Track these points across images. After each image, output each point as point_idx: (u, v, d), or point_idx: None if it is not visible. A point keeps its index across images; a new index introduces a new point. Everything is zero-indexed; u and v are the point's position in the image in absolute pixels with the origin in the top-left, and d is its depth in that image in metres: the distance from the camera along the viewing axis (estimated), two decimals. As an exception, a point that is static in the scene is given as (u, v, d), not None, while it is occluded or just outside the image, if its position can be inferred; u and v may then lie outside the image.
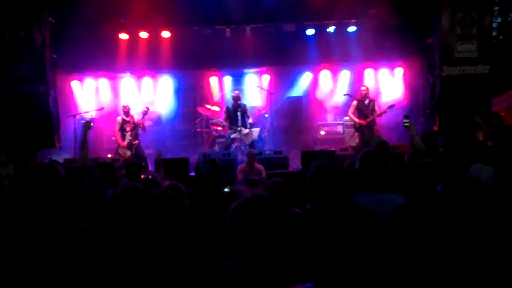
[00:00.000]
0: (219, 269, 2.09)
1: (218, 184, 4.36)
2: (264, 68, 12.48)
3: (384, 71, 12.32)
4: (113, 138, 10.89)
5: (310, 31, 11.10)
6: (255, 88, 11.85)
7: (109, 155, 10.10)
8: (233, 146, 10.34)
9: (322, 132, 11.91)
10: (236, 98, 10.13)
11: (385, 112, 9.95)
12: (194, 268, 2.40)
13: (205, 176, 8.61)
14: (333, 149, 9.76)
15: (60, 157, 8.88)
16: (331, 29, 11.04)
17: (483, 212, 2.19)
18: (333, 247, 2.25)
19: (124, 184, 2.89)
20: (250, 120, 10.21)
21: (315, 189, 2.41)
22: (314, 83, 12.65)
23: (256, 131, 10.48)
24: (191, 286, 2.33)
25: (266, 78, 12.62)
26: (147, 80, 12.54)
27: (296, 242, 2.32)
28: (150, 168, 8.25)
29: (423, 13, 10.02)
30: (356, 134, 10.43)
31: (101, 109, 11.42)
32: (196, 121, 11.67)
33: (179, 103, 12.51)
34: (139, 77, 12.47)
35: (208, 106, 12.10)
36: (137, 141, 9.86)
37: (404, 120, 4.93)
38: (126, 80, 12.48)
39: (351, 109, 10.19)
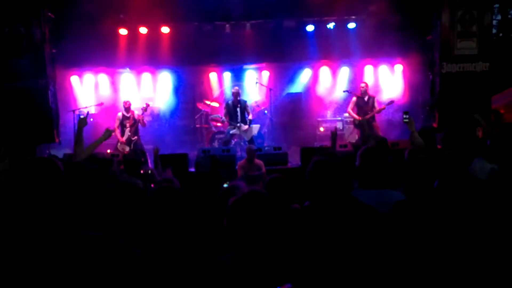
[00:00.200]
0: (216, 264, 2.09)
1: (218, 179, 4.37)
2: (263, 64, 12.47)
3: (383, 68, 12.33)
4: (113, 133, 10.89)
5: (310, 28, 11.08)
6: (254, 84, 11.85)
7: (108, 151, 10.09)
8: (233, 142, 10.34)
9: (322, 129, 11.92)
10: (236, 94, 10.12)
11: (384, 108, 9.96)
12: (192, 263, 2.40)
13: (205, 171, 8.64)
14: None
15: (60, 152, 8.88)
16: (331, 25, 11.02)
17: (479, 209, 2.20)
18: (332, 243, 2.26)
19: (118, 180, 2.90)
20: (250, 117, 10.21)
21: (313, 185, 2.41)
22: (314, 79, 12.66)
23: (255, 127, 10.48)
24: (188, 281, 2.34)
25: (266, 74, 12.63)
26: (146, 76, 12.54)
27: (294, 238, 2.33)
28: (149, 164, 8.25)
29: (423, 10, 10.01)
30: (356, 130, 10.44)
31: (101, 104, 11.42)
32: (196, 117, 11.68)
33: (178, 99, 12.51)
34: (138, 72, 12.47)
35: (207, 102, 12.10)
36: (136, 137, 9.85)
37: (404, 116, 4.94)
38: (126, 76, 12.48)
39: (351, 106, 10.20)
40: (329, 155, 3.25)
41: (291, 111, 12.34)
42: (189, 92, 12.12)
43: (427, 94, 10.28)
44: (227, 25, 10.95)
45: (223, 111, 10.35)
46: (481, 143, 6.61)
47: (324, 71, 12.57)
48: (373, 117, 9.91)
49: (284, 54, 11.25)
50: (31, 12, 9.02)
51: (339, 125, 11.90)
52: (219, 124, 11.41)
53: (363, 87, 10.07)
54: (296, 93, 12.60)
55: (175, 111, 12.50)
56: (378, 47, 10.71)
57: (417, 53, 10.51)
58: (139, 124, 9.93)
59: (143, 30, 10.86)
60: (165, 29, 10.90)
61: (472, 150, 4.44)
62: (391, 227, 2.26)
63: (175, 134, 12.07)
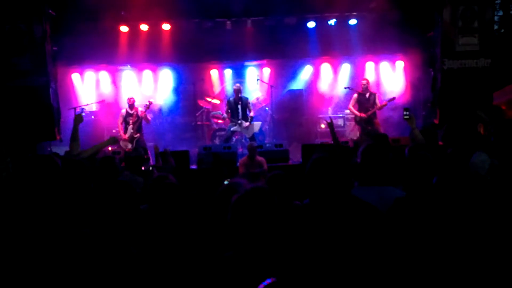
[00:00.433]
0: (220, 260, 2.10)
1: (220, 176, 4.37)
2: (264, 61, 12.46)
3: (385, 64, 12.31)
4: (114, 131, 10.90)
5: (311, 24, 11.05)
6: (255, 81, 11.83)
7: (110, 148, 10.10)
8: (234, 139, 10.34)
9: (323, 125, 11.91)
10: (237, 91, 10.12)
11: (385, 105, 9.95)
12: (193, 259, 2.40)
13: (207, 168, 8.66)
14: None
15: (61, 149, 8.89)
16: (332, 22, 10.99)
17: (478, 205, 2.19)
18: (330, 240, 2.26)
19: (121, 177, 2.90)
20: (251, 114, 10.20)
21: (313, 182, 2.41)
22: (315, 76, 12.65)
23: (257, 124, 10.48)
24: (188, 277, 2.34)
25: (267, 71, 12.62)
26: (147, 73, 12.54)
27: (294, 234, 2.33)
28: (152, 161, 8.26)
29: (424, 6, 9.99)
30: (357, 127, 10.43)
31: (102, 101, 11.44)
32: (197, 114, 11.66)
33: (179, 96, 12.51)
34: (139, 69, 12.47)
35: (208, 99, 12.10)
36: (138, 134, 9.85)
37: (404, 113, 4.93)
38: (127, 73, 12.48)
39: (352, 102, 10.19)
40: (329, 152, 3.25)
41: (292, 108, 12.33)
42: (190, 89, 12.10)
43: (428, 91, 10.26)
44: (228, 22, 10.93)
45: (224, 108, 10.35)
46: (482, 139, 6.60)
47: (325, 68, 12.55)
48: (374, 114, 9.90)
49: (285, 51, 11.22)
50: (32, 10, 9.02)
51: (340, 122, 11.89)
52: (220, 121, 11.40)
53: (364, 84, 10.06)
54: (297, 90, 12.59)
55: (176, 108, 12.50)
56: (379, 44, 10.70)
57: (418, 49, 10.49)
58: (143, 121, 9.94)
59: (144, 27, 10.85)
60: (166, 26, 10.89)
61: (474, 146, 4.43)
62: (391, 224, 2.26)
63: (176, 131, 12.08)
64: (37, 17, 9.07)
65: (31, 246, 1.72)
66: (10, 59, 9.04)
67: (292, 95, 12.50)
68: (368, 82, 10.17)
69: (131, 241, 2.06)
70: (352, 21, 10.97)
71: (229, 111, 10.10)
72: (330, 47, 11.25)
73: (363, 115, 9.87)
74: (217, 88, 12.80)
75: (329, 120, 6.22)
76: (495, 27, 13.49)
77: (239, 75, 12.74)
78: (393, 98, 10.01)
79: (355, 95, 10.16)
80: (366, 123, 9.83)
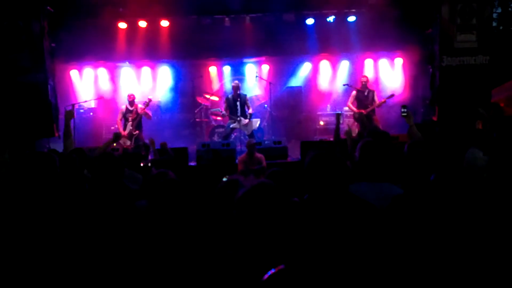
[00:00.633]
0: (222, 257, 2.11)
1: (220, 173, 4.38)
2: (263, 58, 12.45)
3: (383, 62, 12.31)
4: (112, 127, 10.88)
5: (310, 21, 11.05)
6: (254, 78, 11.82)
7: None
8: (233, 136, 10.34)
9: (322, 122, 11.91)
10: (236, 88, 10.11)
11: (384, 102, 9.95)
12: (191, 256, 2.41)
13: (206, 165, 8.67)
14: (332, 139, 9.78)
15: (59, 146, 8.88)
16: (330, 18, 10.98)
17: (476, 203, 2.20)
18: (329, 237, 2.26)
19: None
20: (250, 111, 10.20)
21: (311, 179, 2.41)
22: (314, 73, 12.65)
23: (256, 121, 10.48)
24: (189, 274, 2.35)
25: (266, 68, 12.61)
26: (146, 70, 12.53)
27: (293, 230, 2.34)
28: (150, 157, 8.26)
29: (422, 3, 9.99)
30: (356, 124, 10.43)
31: (100, 98, 11.42)
32: (195, 111, 11.66)
33: (178, 92, 12.50)
34: (138, 66, 12.45)
35: (207, 96, 12.09)
36: (137, 132, 9.83)
37: (402, 110, 4.93)
38: (125, 70, 12.46)
39: (351, 100, 10.19)
40: (327, 148, 3.26)
41: (291, 105, 12.33)
42: (188, 86, 12.08)
43: (427, 88, 10.27)
44: (227, 19, 10.92)
45: (223, 105, 10.34)
46: (481, 135, 6.60)
47: (324, 65, 12.55)
48: (373, 111, 9.91)
49: (284, 47, 11.21)
50: (30, 6, 8.99)
51: (339, 123, 11.87)
52: (219, 118, 11.40)
53: (364, 81, 10.06)
54: (296, 87, 12.58)
55: (175, 105, 12.50)
56: (378, 41, 10.69)
57: (417, 46, 10.49)
58: (144, 117, 9.92)
59: (142, 23, 10.83)
60: (164, 23, 10.87)
61: (471, 142, 4.44)
62: (389, 222, 2.27)
63: (174, 128, 12.07)
64: (35, 14, 9.04)
65: (28, 242, 1.72)
66: (8, 55, 9.02)
67: (290, 92, 12.50)
68: (367, 79, 10.17)
69: (130, 237, 2.06)
70: (351, 18, 10.97)
71: (228, 108, 10.10)
72: (329, 44, 11.24)
73: (362, 111, 9.87)
74: (215, 85, 12.79)
75: (338, 111, 6.22)
76: (494, 24, 13.48)
77: (237, 72, 12.73)
78: (392, 95, 10.02)
79: (354, 92, 10.16)
80: (365, 120, 9.82)
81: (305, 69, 12.65)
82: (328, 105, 12.40)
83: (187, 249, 2.49)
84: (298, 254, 2.16)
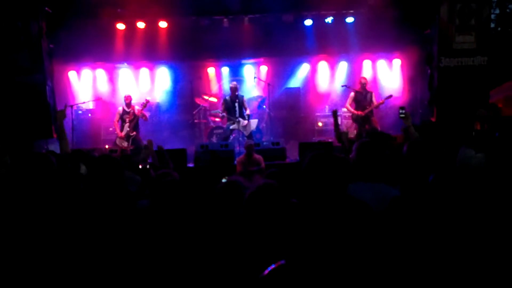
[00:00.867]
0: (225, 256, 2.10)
1: (218, 174, 4.37)
2: (262, 59, 12.44)
3: (382, 62, 12.31)
4: (111, 128, 10.88)
5: (308, 22, 11.05)
6: (253, 79, 11.82)
7: (107, 146, 10.08)
8: (231, 137, 10.34)
9: (320, 124, 11.91)
10: (234, 89, 10.10)
11: (383, 103, 9.95)
12: (193, 256, 2.41)
13: (204, 166, 8.66)
14: (330, 140, 9.79)
15: (58, 147, 8.86)
16: (329, 19, 10.99)
17: (476, 203, 2.19)
18: (327, 238, 2.26)
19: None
20: (247, 112, 10.20)
21: (310, 179, 2.41)
22: (312, 74, 12.64)
23: (254, 122, 10.47)
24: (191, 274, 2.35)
25: (264, 69, 12.61)
26: (144, 71, 12.52)
27: (291, 231, 2.33)
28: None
29: (421, 4, 10.00)
30: (354, 125, 10.43)
31: (98, 99, 11.40)
32: (194, 112, 11.65)
33: (176, 94, 12.49)
34: (136, 67, 12.44)
35: (205, 97, 12.08)
36: (135, 133, 9.83)
37: (400, 111, 4.92)
38: (124, 71, 12.45)
39: (349, 101, 10.18)
40: (324, 149, 3.27)
41: (290, 106, 12.33)
42: (187, 87, 12.08)
43: (425, 89, 10.28)
44: (225, 20, 10.91)
45: (221, 107, 10.33)
46: (480, 136, 6.61)
47: (323, 66, 12.55)
48: (371, 112, 9.91)
49: (282, 48, 11.21)
50: (28, 7, 8.99)
51: (337, 120, 11.86)
52: (217, 119, 11.39)
53: (363, 82, 10.06)
54: (294, 88, 12.58)
55: (173, 106, 12.48)
56: (377, 42, 10.69)
57: (415, 47, 10.50)
58: (140, 118, 9.91)
59: (140, 24, 10.82)
60: (162, 24, 10.86)
61: (464, 142, 4.44)
62: (387, 224, 2.26)
63: (173, 129, 12.06)
64: (34, 15, 9.04)
65: (27, 242, 1.72)
66: (7, 56, 9.01)
67: (289, 93, 12.49)
68: (366, 81, 10.17)
69: (131, 237, 2.06)
70: (349, 19, 10.97)
71: (226, 109, 10.08)
72: (327, 45, 11.25)
73: (360, 113, 9.88)
74: (214, 86, 12.79)
75: (334, 109, 6.22)
76: (492, 25, 13.53)
77: (236, 73, 12.72)
78: (390, 96, 10.02)
79: (352, 93, 10.15)
80: (363, 121, 9.83)
81: (303, 70, 12.65)
82: (327, 106, 12.40)
83: (188, 248, 2.49)
84: (297, 254, 2.16)
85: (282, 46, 11.08)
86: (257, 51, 11.63)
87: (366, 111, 9.82)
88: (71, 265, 1.89)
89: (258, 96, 12.27)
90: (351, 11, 10.89)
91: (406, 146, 4.25)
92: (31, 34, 9.05)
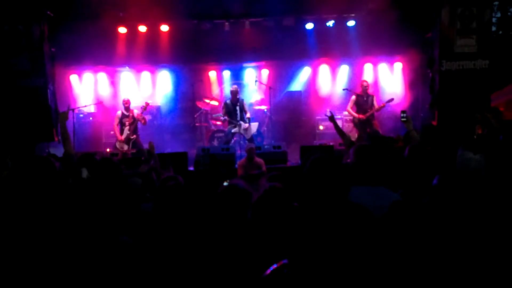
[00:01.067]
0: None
1: (218, 178, 4.37)
2: (263, 63, 12.46)
3: (383, 66, 12.32)
4: (112, 132, 10.89)
5: (309, 25, 11.07)
6: (254, 82, 11.84)
7: (108, 150, 10.09)
8: (232, 140, 10.34)
9: (321, 127, 11.91)
10: (235, 93, 10.10)
11: (384, 106, 9.96)
12: (196, 258, 2.41)
13: (204, 169, 8.65)
14: (331, 143, 9.79)
15: (59, 151, 8.87)
16: (330, 23, 11.00)
17: (479, 207, 2.19)
18: (324, 242, 2.25)
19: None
20: (247, 115, 10.20)
21: (311, 183, 2.41)
22: (313, 77, 12.65)
23: (254, 125, 10.47)
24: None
25: (265, 72, 12.62)
26: (146, 74, 12.54)
27: (292, 235, 2.33)
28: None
29: (422, 8, 10.00)
30: (355, 129, 10.43)
31: (100, 103, 11.42)
32: (195, 116, 11.65)
33: (178, 97, 12.51)
34: (138, 71, 12.46)
35: (207, 101, 12.09)
36: (135, 136, 9.83)
37: (402, 115, 4.92)
38: (125, 74, 12.47)
39: (350, 104, 10.19)
40: (326, 153, 3.27)
41: (291, 109, 12.34)
42: (188, 91, 12.09)
43: (426, 92, 10.27)
44: (226, 23, 10.93)
45: (222, 110, 10.32)
46: (483, 140, 6.60)
47: (324, 69, 12.56)
48: (372, 116, 9.91)
49: (283, 52, 11.23)
50: (30, 11, 9.00)
51: (339, 123, 11.87)
52: (218, 122, 11.40)
53: (365, 85, 10.07)
54: (296, 92, 12.59)
55: (175, 110, 12.50)
56: (378, 45, 10.71)
57: (416, 50, 10.51)
58: (139, 122, 9.92)
59: (142, 28, 10.85)
60: (164, 27, 10.89)
61: (461, 144, 4.43)
62: (388, 229, 2.25)
63: (174, 133, 12.08)
64: (36, 18, 9.06)
65: (28, 245, 1.71)
66: (9, 59, 9.03)
67: (290, 97, 12.50)
68: (368, 84, 10.18)
69: (135, 239, 2.06)
70: (351, 23, 10.99)
71: (227, 113, 10.08)
72: (328, 48, 11.26)
73: (361, 116, 9.88)
74: (215, 90, 12.80)
75: (329, 114, 6.20)
76: (493, 28, 13.52)
77: (237, 77, 12.74)
78: (391, 100, 10.02)
79: (353, 97, 10.16)
80: (365, 125, 9.84)
81: (304, 73, 12.66)
82: (328, 110, 12.37)
83: (193, 251, 2.49)
84: (297, 258, 2.15)
85: (283, 49, 11.10)
86: (258, 55, 11.64)
87: (368, 114, 9.82)
88: (71, 268, 1.89)
89: (261, 100, 12.29)
90: (352, 15, 10.91)
91: (407, 149, 4.25)
92: (33, 37, 9.07)
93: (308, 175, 2.43)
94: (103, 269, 1.73)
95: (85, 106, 11.04)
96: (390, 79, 12.21)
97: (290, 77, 12.70)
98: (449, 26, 9.41)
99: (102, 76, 12.32)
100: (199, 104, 11.97)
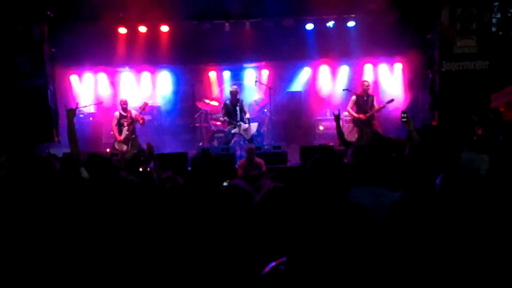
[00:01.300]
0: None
1: (216, 177, 4.35)
2: (263, 63, 12.46)
3: (383, 67, 12.32)
4: (112, 132, 10.89)
5: (309, 26, 11.07)
6: (254, 83, 11.84)
7: (108, 150, 10.09)
8: (232, 141, 10.34)
9: (321, 127, 11.91)
10: (235, 93, 10.10)
11: (384, 107, 9.96)
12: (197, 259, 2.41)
13: (201, 169, 8.61)
14: (331, 144, 9.79)
15: (59, 151, 8.87)
16: (330, 24, 11.01)
17: (481, 208, 2.18)
18: (324, 242, 2.25)
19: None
20: (247, 115, 10.20)
21: (311, 184, 2.41)
22: (313, 78, 12.66)
23: (254, 125, 10.48)
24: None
25: (265, 73, 12.62)
26: (146, 75, 12.54)
27: (292, 235, 2.33)
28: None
29: (422, 8, 10.00)
30: (355, 129, 10.43)
31: (100, 103, 11.42)
32: (195, 116, 11.65)
33: (178, 97, 12.51)
34: (138, 71, 12.46)
35: (207, 101, 12.09)
36: (133, 136, 9.82)
37: (402, 115, 4.92)
38: (125, 75, 12.47)
39: (350, 105, 10.20)
40: (326, 153, 3.28)
41: (291, 110, 12.35)
42: (188, 91, 12.08)
43: (426, 93, 10.27)
44: (227, 24, 10.93)
45: (222, 111, 10.32)
46: (484, 140, 6.60)
47: (324, 70, 12.56)
48: (372, 116, 9.91)
49: (283, 52, 11.23)
50: (30, 11, 9.00)
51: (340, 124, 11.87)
52: (218, 123, 11.40)
53: (366, 85, 10.07)
54: (296, 92, 12.60)
55: (174, 110, 12.50)
56: (378, 46, 10.71)
57: (416, 51, 10.51)
58: (138, 123, 9.91)
59: (142, 28, 10.85)
60: (164, 28, 10.89)
61: (466, 145, 4.44)
62: (387, 229, 2.25)
63: (174, 133, 12.08)
64: (35, 19, 9.05)
65: (27, 244, 1.71)
66: (9, 60, 9.03)
67: (290, 97, 12.51)
68: (369, 85, 10.18)
69: (135, 239, 2.05)
70: (351, 23, 10.99)
71: (227, 113, 10.08)
72: (328, 49, 11.26)
73: (361, 116, 9.88)
74: (215, 90, 12.80)
75: (336, 113, 6.21)
76: (493, 29, 13.51)
77: (237, 77, 12.74)
78: (392, 100, 10.03)
79: (354, 97, 10.17)
80: (365, 125, 9.83)
81: (304, 74, 12.66)
82: (328, 110, 12.39)
83: (194, 252, 2.49)
84: (297, 257, 2.15)
85: (283, 50, 11.11)
86: (258, 55, 11.65)
87: (368, 114, 9.83)
88: (71, 269, 1.89)
89: (260, 99, 12.29)
90: (352, 15, 10.91)
91: (407, 149, 4.24)
92: (33, 38, 9.06)
93: (308, 175, 2.43)
94: (103, 269, 1.72)
95: (85, 106, 11.04)
96: (390, 80, 12.22)
97: (290, 77, 12.70)
98: (449, 27, 9.41)
99: (102, 77, 12.32)
100: (199, 104, 11.97)
